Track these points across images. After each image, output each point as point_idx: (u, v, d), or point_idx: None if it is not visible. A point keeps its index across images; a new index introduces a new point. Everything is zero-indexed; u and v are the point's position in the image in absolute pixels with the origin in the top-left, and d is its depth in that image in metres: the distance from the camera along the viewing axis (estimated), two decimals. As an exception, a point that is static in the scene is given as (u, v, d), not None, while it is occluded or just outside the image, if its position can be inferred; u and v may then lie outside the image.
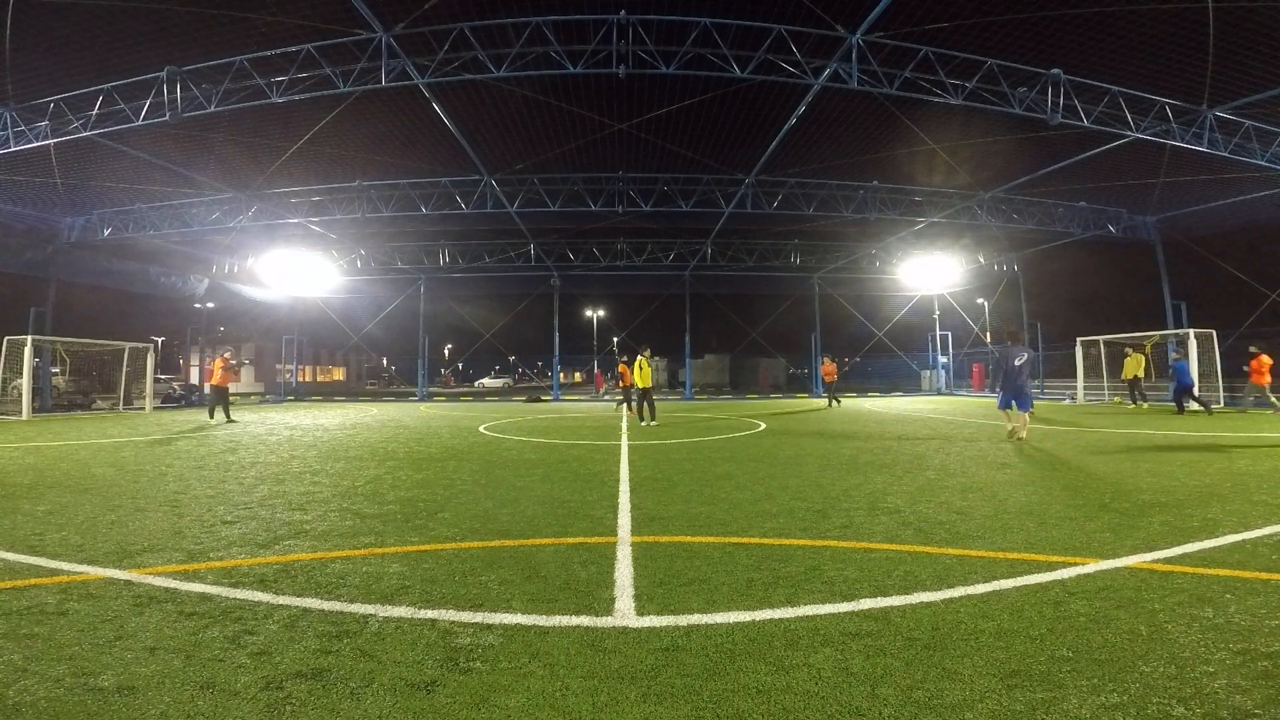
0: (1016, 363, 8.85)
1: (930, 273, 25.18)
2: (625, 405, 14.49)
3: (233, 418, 13.83)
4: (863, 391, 29.40)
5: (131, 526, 4.17)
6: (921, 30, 10.09)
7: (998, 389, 9.18)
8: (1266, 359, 13.79)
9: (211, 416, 13.80)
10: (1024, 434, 8.74)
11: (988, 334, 27.36)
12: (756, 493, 5.25)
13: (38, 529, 4.12)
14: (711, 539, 3.80)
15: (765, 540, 3.75)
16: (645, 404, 12.55)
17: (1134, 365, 16.50)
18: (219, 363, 13.99)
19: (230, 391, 14.13)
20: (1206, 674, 2.02)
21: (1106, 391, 19.84)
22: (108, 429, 12.30)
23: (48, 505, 4.87)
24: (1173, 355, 17.69)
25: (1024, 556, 3.33)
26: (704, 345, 36.73)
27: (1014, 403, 8.75)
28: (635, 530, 4.02)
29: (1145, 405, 16.16)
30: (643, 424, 12.37)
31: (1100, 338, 19.85)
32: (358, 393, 39.40)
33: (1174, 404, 14.36)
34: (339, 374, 61.53)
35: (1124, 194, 17.70)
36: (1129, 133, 12.03)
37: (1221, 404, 16.68)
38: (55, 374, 20.17)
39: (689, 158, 15.61)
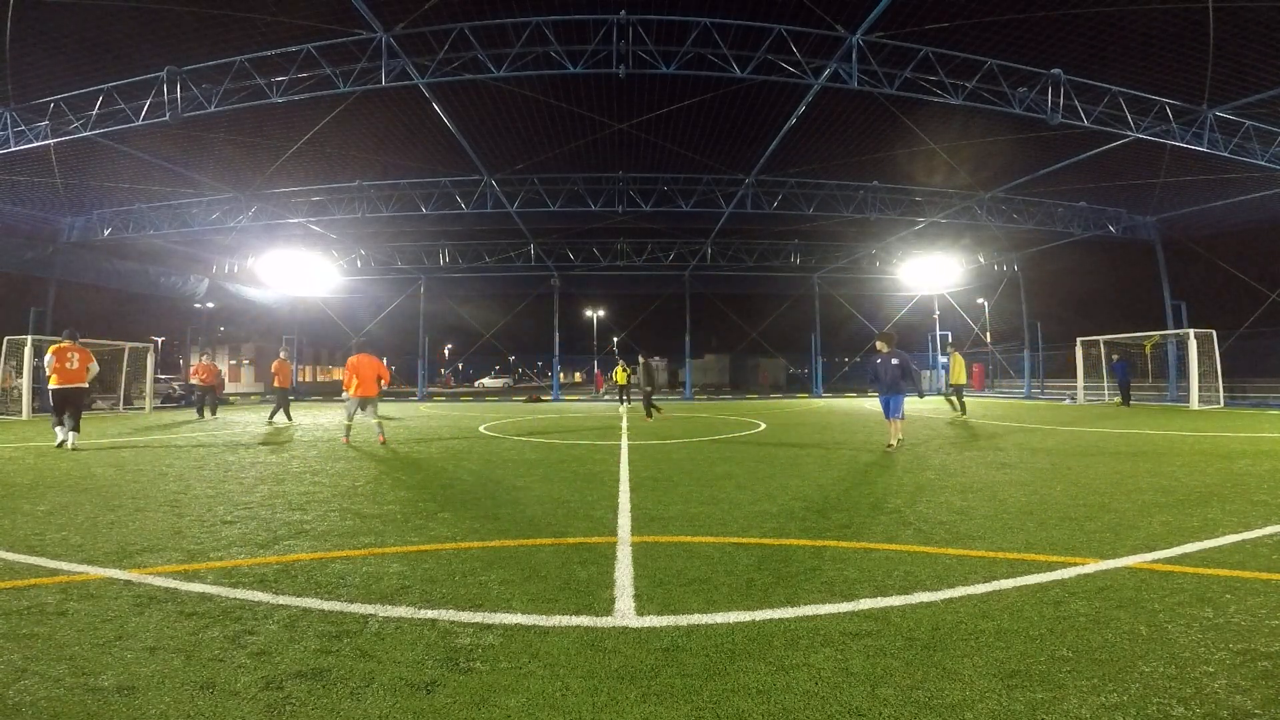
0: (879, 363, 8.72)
1: (930, 273, 25.14)
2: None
3: (204, 416, 15.02)
4: (863, 392, 29.37)
5: (131, 526, 4.17)
6: (921, 30, 10.08)
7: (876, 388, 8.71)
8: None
9: (202, 414, 15.06)
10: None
11: (988, 334, 27.39)
12: (756, 493, 5.24)
13: (38, 529, 4.11)
14: (711, 539, 3.80)
15: (765, 540, 3.74)
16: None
17: (956, 368, 13.96)
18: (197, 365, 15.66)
19: (212, 390, 15.65)
20: (1206, 674, 2.02)
21: (1106, 392, 19.87)
22: (107, 429, 12.29)
23: (48, 505, 4.87)
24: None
25: (1024, 556, 3.33)
26: (704, 345, 36.74)
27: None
28: (635, 530, 4.02)
29: (962, 415, 13.46)
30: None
31: (1100, 338, 19.88)
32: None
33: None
34: (339, 374, 61.52)
35: (1124, 194, 17.69)
36: (1129, 133, 12.03)
37: (1222, 404, 16.72)
38: (55, 374, 20.14)
39: (689, 158, 15.60)
